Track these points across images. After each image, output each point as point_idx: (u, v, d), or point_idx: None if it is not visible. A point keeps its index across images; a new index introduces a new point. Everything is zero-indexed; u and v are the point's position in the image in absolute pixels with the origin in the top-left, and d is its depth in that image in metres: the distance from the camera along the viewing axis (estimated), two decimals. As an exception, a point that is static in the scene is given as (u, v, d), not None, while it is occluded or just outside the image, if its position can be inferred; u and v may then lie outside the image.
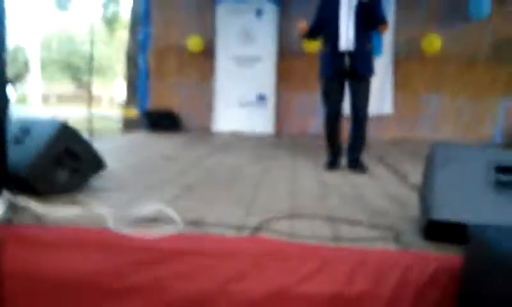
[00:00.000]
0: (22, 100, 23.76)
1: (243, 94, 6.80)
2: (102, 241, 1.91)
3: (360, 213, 2.50)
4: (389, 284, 1.75)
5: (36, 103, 24.20)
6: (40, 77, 25.37)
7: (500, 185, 1.99)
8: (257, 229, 2.07)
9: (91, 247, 1.88)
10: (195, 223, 2.11)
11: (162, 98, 7.05)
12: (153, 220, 2.12)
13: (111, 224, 2.01)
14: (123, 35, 13.81)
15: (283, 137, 6.46)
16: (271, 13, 6.69)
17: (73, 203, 2.38)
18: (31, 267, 1.87)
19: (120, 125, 9.24)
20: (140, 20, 7.32)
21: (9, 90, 5.32)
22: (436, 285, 1.76)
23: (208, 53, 6.84)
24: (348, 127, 3.94)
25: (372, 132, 4.00)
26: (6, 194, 2.16)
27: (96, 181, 2.81)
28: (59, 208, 2.21)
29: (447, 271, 1.77)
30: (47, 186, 2.49)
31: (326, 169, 3.86)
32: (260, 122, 6.76)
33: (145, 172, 3.45)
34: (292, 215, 2.34)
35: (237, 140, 5.86)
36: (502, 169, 2.02)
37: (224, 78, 6.82)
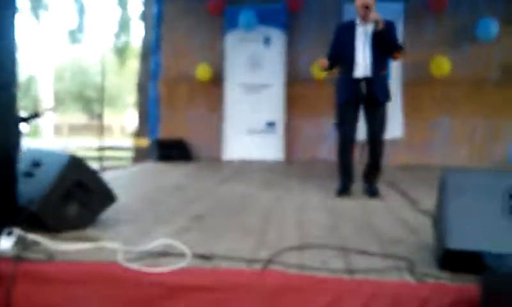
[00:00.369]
0: (35, 132, 24.09)
1: (252, 121, 6.82)
2: (111, 276, 1.89)
3: (372, 242, 2.45)
4: (406, 318, 1.70)
5: (49, 134, 24.56)
6: (54, 106, 25.74)
7: (516, 212, 1.95)
8: (268, 262, 2.03)
9: (101, 283, 1.86)
10: (205, 257, 2.08)
11: (172, 127, 7.10)
12: (163, 254, 2.10)
13: (121, 259, 1.99)
14: (134, 65, 14.04)
15: (294, 164, 6.43)
16: (278, 41, 6.76)
17: (83, 237, 2.37)
18: (41, 303, 1.86)
19: (131, 155, 9.32)
20: (151, 50, 7.44)
21: (22, 125, 5.39)
22: (454, 317, 1.71)
23: (217, 81, 6.90)
24: (358, 153, 3.92)
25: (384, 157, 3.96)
26: (16, 230, 2.16)
27: (108, 214, 2.80)
28: (69, 244, 2.20)
29: (465, 302, 1.71)
30: (57, 221, 2.48)
31: (337, 196, 3.83)
32: (270, 149, 6.76)
33: (155, 203, 3.44)
34: (303, 247, 2.30)
35: (247, 168, 5.85)
36: (517, 195, 1.97)
37: (233, 106, 6.86)
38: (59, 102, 26.57)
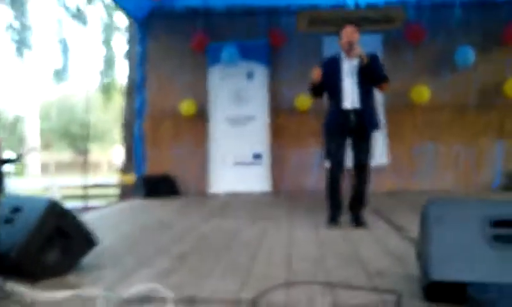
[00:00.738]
0: (21, 171, 23.81)
1: (238, 153, 6.83)
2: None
3: (359, 274, 2.44)
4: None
5: (35, 173, 24.28)
6: (39, 146, 25.58)
7: (498, 240, 1.95)
8: (253, 303, 1.99)
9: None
10: (188, 300, 2.04)
11: (158, 163, 7.07)
12: (145, 299, 2.05)
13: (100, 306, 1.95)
14: (120, 101, 14.09)
15: (281, 195, 6.42)
16: (261, 75, 6.84)
17: (64, 284, 2.31)
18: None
19: (118, 192, 9.23)
20: (135, 88, 7.47)
21: (5, 167, 5.33)
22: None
23: (202, 116, 6.93)
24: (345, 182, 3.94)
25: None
26: (-5, 279, 2.10)
27: (90, 258, 2.74)
28: (49, 292, 2.15)
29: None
30: (36, 269, 2.41)
31: (328, 226, 3.83)
32: (257, 181, 6.75)
33: (139, 243, 3.39)
34: (288, 284, 2.27)
35: (234, 201, 5.81)
36: (498, 223, 1.98)
37: (218, 139, 6.87)
38: (46, 140, 26.41)
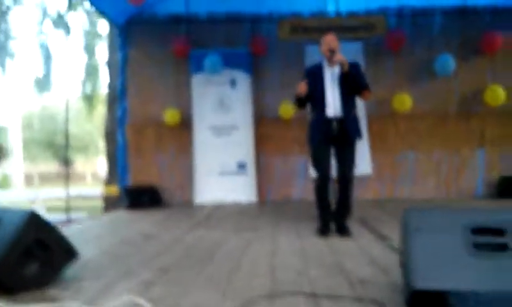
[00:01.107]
0: (4, 182, 23.43)
1: (223, 163, 6.78)
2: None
3: (343, 284, 2.43)
4: None
5: (19, 184, 23.89)
6: (22, 158, 25.22)
7: (478, 248, 1.96)
8: (234, 314, 1.98)
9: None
10: (169, 313, 2.01)
11: (142, 173, 6.99)
12: (125, 312, 2.02)
13: (80, 321, 1.91)
14: (103, 111, 13.98)
15: (266, 205, 6.39)
16: (244, 83, 6.83)
17: (44, 298, 2.27)
18: None
19: (101, 203, 9.11)
20: (117, 96, 7.37)
21: None
22: None
23: (185, 125, 6.88)
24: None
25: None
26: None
27: (71, 270, 2.69)
28: (28, 305, 2.10)
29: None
30: (15, 281, 2.38)
31: (319, 236, 3.83)
32: (242, 191, 6.71)
33: (121, 255, 3.34)
34: (272, 295, 2.26)
35: (219, 212, 5.77)
36: (478, 231, 2.00)
37: (202, 148, 6.81)
38: (28, 150, 26.05)
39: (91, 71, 14.13)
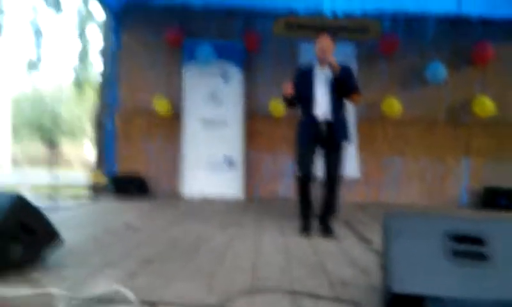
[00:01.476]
0: (-10, 164, 23.11)
1: (211, 156, 6.80)
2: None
3: (323, 284, 2.47)
4: None
5: (6, 166, 23.60)
6: (10, 139, 24.88)
7: (457, 255, 2.01)
8: (216, 308, 2.00)
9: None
10: (151, 303, 2.02)
11: (130, 161, 6.98)
12: (108, 300, 2.03)
13: (62, 305, 1.92)
14: (93, 96, 13.86)
15: (253, 201, 6.42)
16: (236, 78, 6.85)
17: (26, 281, 2.27)
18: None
19: (88, 191, 9.05)
20: (107, 83, 7.33)
21: None
22: None
23: (175, 115, 6.88)
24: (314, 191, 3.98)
25: (339, 196, 4.04)
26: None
27: (55, 256, 2.70)
28: (9, 288, 2.11)
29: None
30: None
31: (301, 235, 3.85)
32: (230, 185, 6.74)
33: (106, 244, 3.34)
34: (253, 291, 2.29)
35: (204, 206, 5.79)
36: (458, 239, 2.04)
37: (192, 140, 6.83)
38: (17, 132, 25.73)
39: (83, 56, 13.99)
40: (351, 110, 6.54)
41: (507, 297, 1.86)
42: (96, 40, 14.29)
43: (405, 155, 6.84)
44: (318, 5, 6.95)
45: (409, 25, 6.84)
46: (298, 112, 4.25)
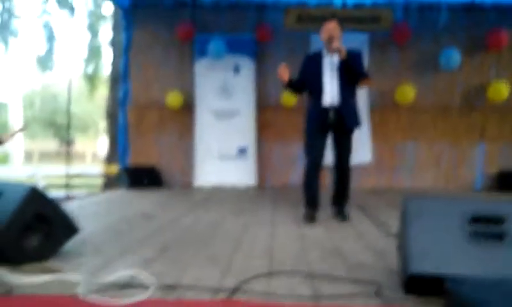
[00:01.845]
0: (4, 158, 23.50)
1: (224, 147, 6.82)
2: (69, 310, 1.83)
3: (340, 267, 2.46)
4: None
5: (19, 161, 23.95)
6: (22, 135, 25.20)
7: (476, 236, 1.99)
8: (234, 291, 2.01)
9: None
10: (169, 287, 2.04)
11: (143, 154, 7.02)
12: (126, 285, 2.05)
13: (81, 291, 1.94)
14: (105, 91, 13.96)
15: (266, 189, 6.44)
16: (248, 69, 6.83)
17: (44, 270, 2.30)
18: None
19: (102, 182, 9.15)
20: (120, 77, 7.38)
21: None
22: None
23: (187, 108, 6.89)
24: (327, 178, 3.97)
25: (352, 182, 4.02)
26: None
27: (71, 245, 2.72)
28: (29, 276, 2.13)
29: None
30: (17, 253, 2.40)
31: (305, 223, 3.82)
32: (242, 175, 6.75)
33: (122, 233, 3.37)
34: (270, 274, 2.29)
35: (218, 194, 5.81)
36: (476, 220, 2.02)
37: (204, 132, 6.84)
38: (29, 128, 26.04)
39: (94, 52, 14.07)
40: (363, 98, 6.51)
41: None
42: (108, 36, 14.34)
43: (419, 141, 6.77)
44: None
45: (422, 14, 6.73)
46: (307, 99, 4.21)
